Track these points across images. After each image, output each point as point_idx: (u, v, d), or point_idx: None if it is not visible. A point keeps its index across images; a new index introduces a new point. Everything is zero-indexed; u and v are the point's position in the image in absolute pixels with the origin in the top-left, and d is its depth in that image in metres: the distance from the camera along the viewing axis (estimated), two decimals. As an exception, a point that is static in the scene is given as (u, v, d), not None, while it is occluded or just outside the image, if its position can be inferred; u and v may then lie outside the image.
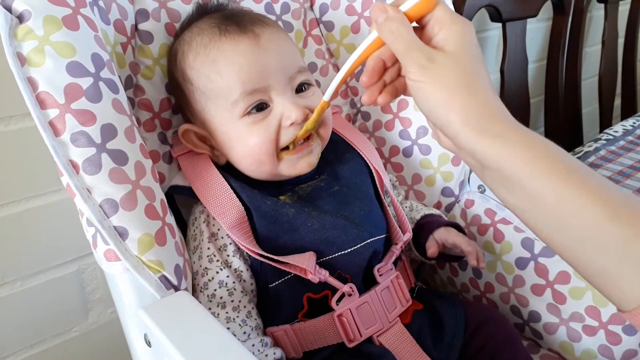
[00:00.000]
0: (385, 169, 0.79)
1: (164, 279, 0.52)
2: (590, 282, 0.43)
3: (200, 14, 0.66)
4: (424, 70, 0.45)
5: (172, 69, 0.64)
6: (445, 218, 0.75)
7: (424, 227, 0.70)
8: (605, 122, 1.70)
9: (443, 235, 0.67)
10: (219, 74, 0.59)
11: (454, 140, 0.46)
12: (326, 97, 0.55)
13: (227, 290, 0.58)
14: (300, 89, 0.63)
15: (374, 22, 0.48)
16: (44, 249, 0.81)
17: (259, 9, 0.73)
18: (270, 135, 0.60)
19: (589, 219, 0.40)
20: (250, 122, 0.60)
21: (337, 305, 0.59)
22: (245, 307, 0.59)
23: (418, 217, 0.73)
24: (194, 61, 0.61)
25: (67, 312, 0.86)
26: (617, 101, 1.78)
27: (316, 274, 0.57)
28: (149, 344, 0.48)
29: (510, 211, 0.46)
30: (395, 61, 0.51)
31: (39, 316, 0.84)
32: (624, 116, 1.80)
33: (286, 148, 0.61)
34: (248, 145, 0.60)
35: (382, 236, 0.64)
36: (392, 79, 0.52)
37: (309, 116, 0.60)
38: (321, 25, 0.81)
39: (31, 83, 0.47)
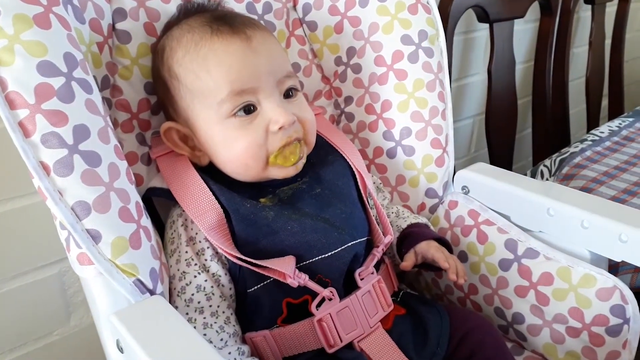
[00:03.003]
0: (369, 170, 0.78)
1: (139, 283, 0.51)
2: None
3: (187, 13, 0.65)
4: None
5: (157, 65, 0.63)
6: (431, 226, 0.75)
7: (407, 238, 0.69)
8: (593, 123, 1.70)
9: (423, 249, 0.67)
10: (208, 72, 0.58)
11: None
12: None
13: (205, 294, 0.57)
14: (287, 94, 0.62)
15: None
16: (25, 251, 0.80)
17: (240, 8, 0.72)
18: (258, 140, 0.59)
19: None
20: (237, 125, 0.59)
21: (317, 310, 0.58)
22: (224, 312, 0.58)
23: (404, 225, 0.72)
24: (182, 58, 0.60)
25: (48, 315, 0.85)
26: (604, 102, 1.78)
27: (295, 278, 0.56)
28: (121, 350, 0.47)
29: None
30: None
31: (20, 319, 0.83)
32: (611, 117, 1.80)
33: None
34: (234, 149, 0.60)
35: (363, 239, 0.64)
36: None
37: (296, 122, 0.60)
38: (304, 25, 0.80)
39: (0, 83, 0.46)
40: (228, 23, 0.60)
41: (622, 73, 1.77)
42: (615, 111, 1.79)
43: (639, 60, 2.08)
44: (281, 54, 0.64)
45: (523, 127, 1.64)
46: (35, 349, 0.85)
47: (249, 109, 0.59)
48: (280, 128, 0.59)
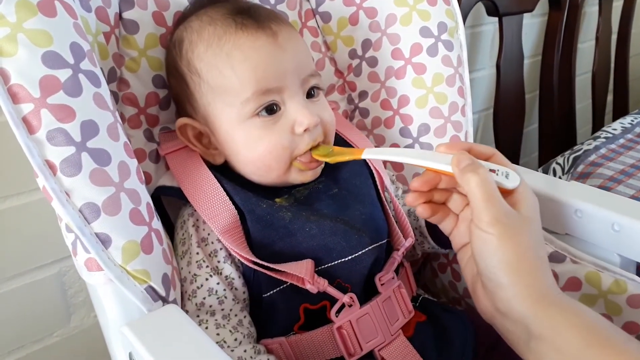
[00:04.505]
0: (385, 168, 0.75)
1: (151, 290, 0.48)
2: None
3: (202, 3, 0.62)
4: (497, 223, 0.45)
5: (174, 58, 0.60)
6: None
7: None
8: (598, 118, 1.69)
9: None
10: (233, 69, 0.56)
11: (504, 302, 0.45)
12: (364, 155, 0.56)
13: (217, 298, 0.55)
14: (310, 93, 0.60)
15: (454, 165, 0.48)
16: (23, 250, 0.78)
17: (253, -2, 0.69)
18: (283, 142, 0.57)
19: None
20: (260, 126, 0.57)
21: (337, 316, 0.55)
22: (236, 315, 0.55)
23: None
24: (204, 52, 0.57)
25: (47, 316, 0.83)
26: (609, 97, 1.77)
27: (315, 284, 0.53)
28: (134, 364, 0.44)
29: None
30: (450, 189, 0.52)
31: (18, 321, 0.81)
32: (616, 112, 1.79)
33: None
34: (257, 149, 0.57)
35: (383, 242, 0.61)
36: (438, 200, 0.53)
37: (319, 124, 0.58)
38: (317, 16, 0.77)
39: (2, 75, 0.43)
40: (253, 17, 0.57)
41: (627, 68, 1.76)
42: (620, 107, 1.78)
43: (643, 55, 2.07)
44: (306, 51, 0.62)
45: (529, 122, 1.62)
46: (34, 350, 0.83)
47: (271, 109, 0.57)
48: (305, 130, 0.57)
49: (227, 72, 0.56)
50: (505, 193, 0.48)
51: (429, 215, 0.52)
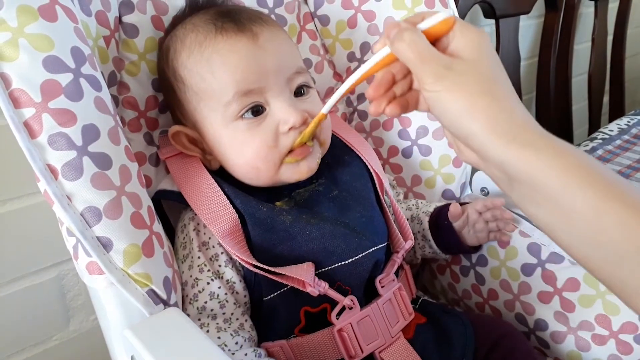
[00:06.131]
0: (384, 170, 0.76)
1: (152, 294, 0.48)
2: (628, 304, 0.40)
3: (194, 7, 0.62)
4: (441, 79, 0.42)
5: (162, 66, 0.60)
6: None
7: (442, 212, 0.67)
8: (594, 119, 1.69)
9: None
10: (212, 74, 0.56)
11: (479, 151, 0.43)
12: (325, 109, 0.53)
13: (219, 302, 0.54)
14: (299, 91, 0.59)
15: (385, 38, 0.45)
16: (22, 254, 0.78)
17: (251, 2, 0.69)
18: (268, 142, 0.56)
19: (629, 235, 0.37)
20: (246, 128, 0.56)
21: (337, 319, 0.55)
22: (237, 319, 0.55)
23: (431, 209, 0.70)
24: (187, 60, 0.57)
25: (47, 320, 0.83)
26: (605, 98, 1.77)
27: (315, 287, 0.53)
28: (136, 367, 0.44)
29: (542, 230, 0.43)
30: (407, 74, 0.48)
31: (17, 325, 0.80)
32: (612, 113, 1.79)
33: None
34: (244, 153, 0.57)
35: (383, 244, 0.61)
36: (402, 92, 0.49)
37: (308, 120, 0.57)
38: (316, 19, 0.77)
39: (4, 79, 0.43)
40: (233, 20, 0.57)
41: (623, 69, 1.76)
42: (616, 108, 1.79)
43: (638, 57, 2.07)
44: (291, 50, 0.61)
45: (526, 124, 1.62)
46: (33, 354, 0.82)
47: (257, 110, 0.57)
48: (290, 128, 0.56)
49: (207, 77, 0.56)
50: (443, 45, 0.45)
51: (400, 110, 0.48)
